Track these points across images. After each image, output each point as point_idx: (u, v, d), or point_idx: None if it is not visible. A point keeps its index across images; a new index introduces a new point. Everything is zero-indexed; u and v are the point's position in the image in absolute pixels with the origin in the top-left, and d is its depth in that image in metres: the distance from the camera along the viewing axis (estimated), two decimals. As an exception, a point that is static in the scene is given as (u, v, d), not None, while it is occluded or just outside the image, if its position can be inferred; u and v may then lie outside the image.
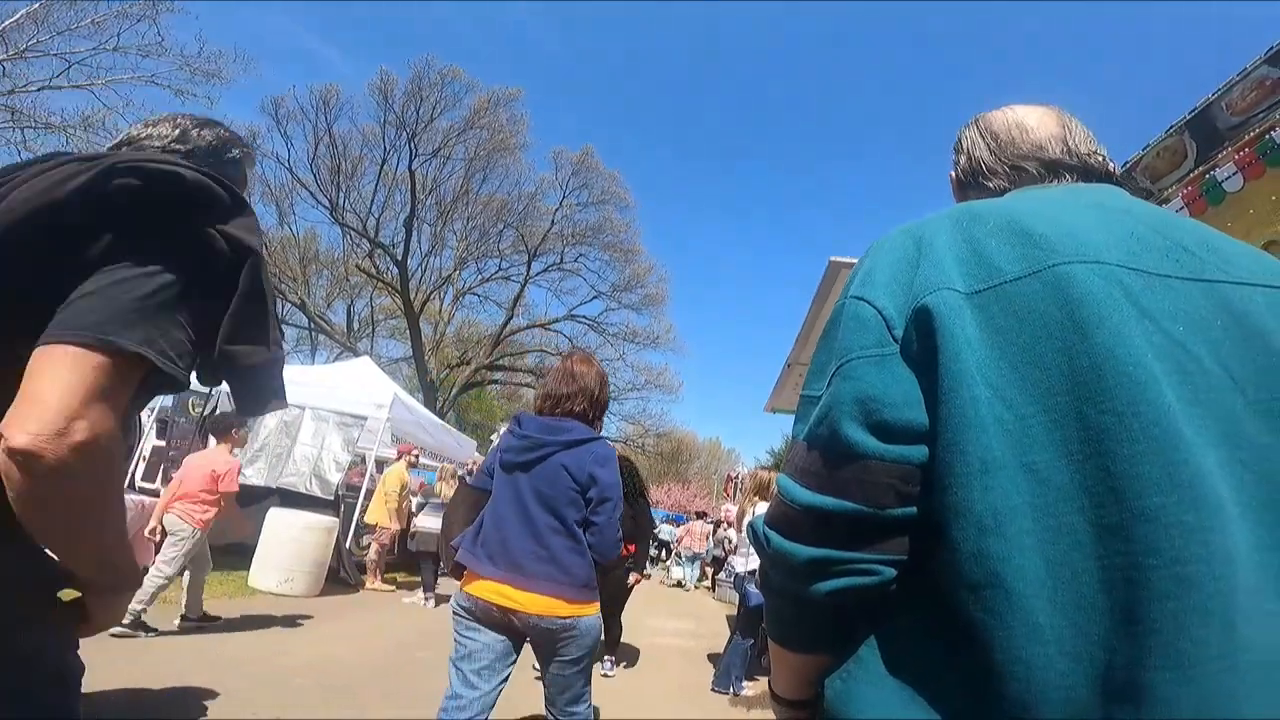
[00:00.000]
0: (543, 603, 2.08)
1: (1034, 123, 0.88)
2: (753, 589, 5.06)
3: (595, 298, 26.75)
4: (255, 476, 8.08)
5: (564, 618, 2.10)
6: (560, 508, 2.17)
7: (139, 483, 8.91)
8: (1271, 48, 3.28)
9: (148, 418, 11.05)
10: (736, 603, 5.56)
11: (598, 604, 2.23)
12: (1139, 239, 0.65)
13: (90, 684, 3.44)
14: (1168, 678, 0.49)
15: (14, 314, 0.81)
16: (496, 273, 27.00)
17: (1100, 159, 0.86)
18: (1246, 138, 3.31)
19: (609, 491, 2.21)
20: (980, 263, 0.63)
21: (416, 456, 8.88)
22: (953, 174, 0.97)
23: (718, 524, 13.63)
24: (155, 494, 7.25)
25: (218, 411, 8.41)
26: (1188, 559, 0.50)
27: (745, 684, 5.07)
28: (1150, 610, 0.50)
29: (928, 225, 0.71)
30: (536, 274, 26.17)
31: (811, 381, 0.72)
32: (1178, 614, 0.50)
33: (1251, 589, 0.51)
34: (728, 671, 5.09)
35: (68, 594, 0.90)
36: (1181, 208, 3.44)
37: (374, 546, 8.20)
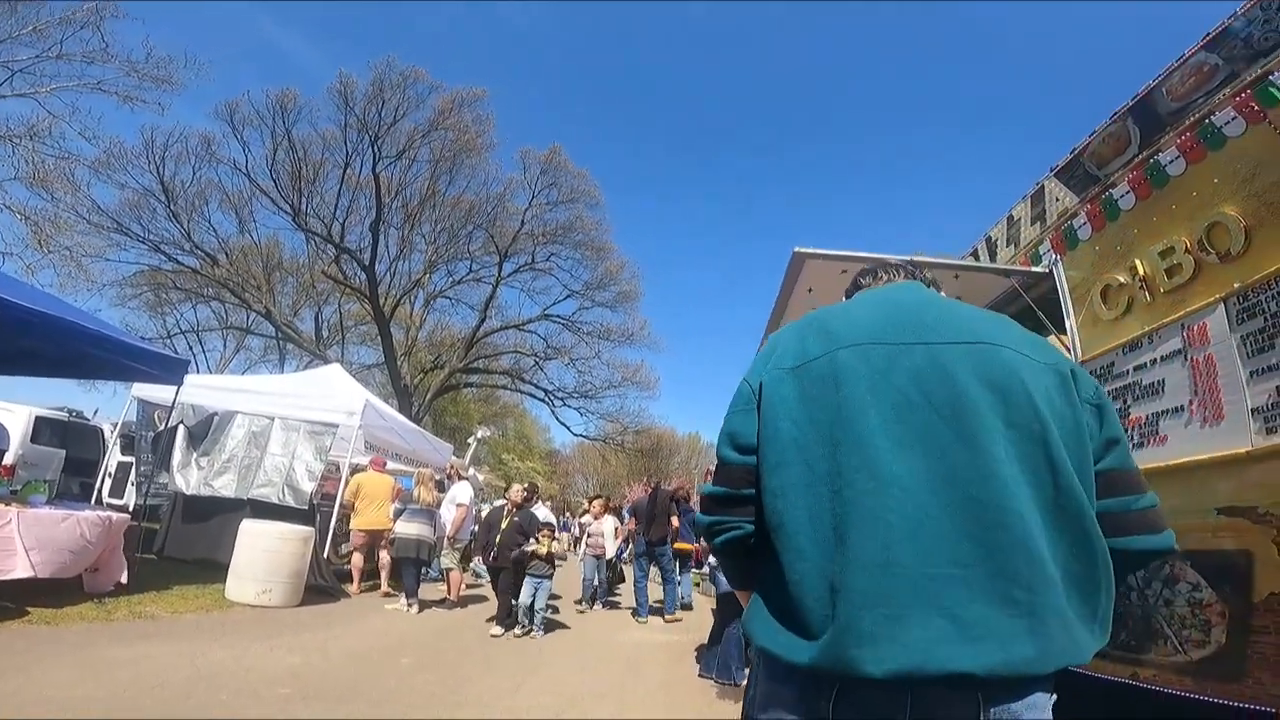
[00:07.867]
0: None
1: (887, 257, 1.44)
2: (723, 578, 5.09)
3: (569, 297, 26.61)
4: (225, 489, 7.92)
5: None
6: None
7: (106, 499, 8.67)
8: (1209, 33, 3.41)
9: (110, 432, 10.73)
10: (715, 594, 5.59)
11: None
12: (893, 321, 1.14)
13: (72, 696, 3.34)
14: (857, 574, 0.95)
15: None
16: (468, 275, 26.72)
17: (921, 267, 1.47)
18: (1187, 122, 3.44)
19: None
20: (802, 349, 1.15)
21: (384, 465, 8.78)
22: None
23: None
24: (123, 509, 7.08)
25: (180, 426, 8.24)
26: (868, 509, 0.97)
27: (745, 672, 4.97)
28: (850, 536, 0.97)
29: (784, 332, 1.23)
30: (508, 275, 25.94)
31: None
32: (860, 540, 0.96)
33: (922, 534, 0.95)
34: (726, 664, 5.04)
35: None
36: (1127, 192, 3.55)
37: (355, 556, 8.11)
